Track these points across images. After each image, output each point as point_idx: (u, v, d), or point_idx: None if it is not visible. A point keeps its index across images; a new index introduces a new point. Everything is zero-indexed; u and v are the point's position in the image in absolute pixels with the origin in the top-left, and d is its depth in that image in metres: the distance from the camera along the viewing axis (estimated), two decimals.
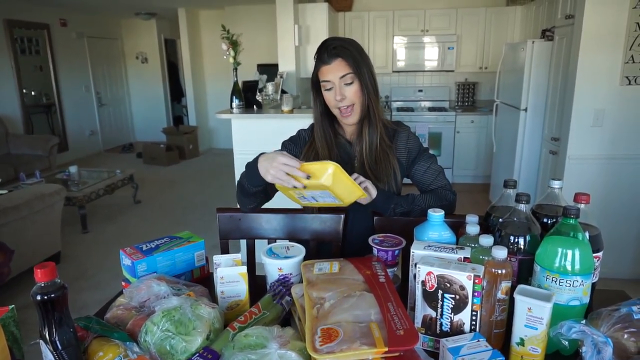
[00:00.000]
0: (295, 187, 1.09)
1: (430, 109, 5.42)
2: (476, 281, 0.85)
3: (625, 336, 0.82)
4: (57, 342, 0.76)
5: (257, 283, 1.16)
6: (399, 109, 5.47)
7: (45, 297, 0.75)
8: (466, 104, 5.55)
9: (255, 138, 3.07)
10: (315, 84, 1.33)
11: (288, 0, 4.07)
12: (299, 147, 1.41)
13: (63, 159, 6.30)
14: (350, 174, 1.26)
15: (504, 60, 4.13)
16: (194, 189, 5.29)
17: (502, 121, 4.26)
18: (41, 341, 0.78)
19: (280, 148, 1.43)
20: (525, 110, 3.64)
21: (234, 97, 3.12)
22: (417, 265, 0.90)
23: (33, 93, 6.48)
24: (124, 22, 8.00)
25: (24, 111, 6.18)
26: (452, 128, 5.18)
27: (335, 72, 1.27)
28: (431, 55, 5.31)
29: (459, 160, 5.26)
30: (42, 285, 0.75)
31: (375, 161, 1.34)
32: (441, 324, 0.90)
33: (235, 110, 3.13)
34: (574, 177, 2.91)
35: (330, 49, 1.27)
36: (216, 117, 3.18)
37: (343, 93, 1.27)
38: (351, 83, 1.28)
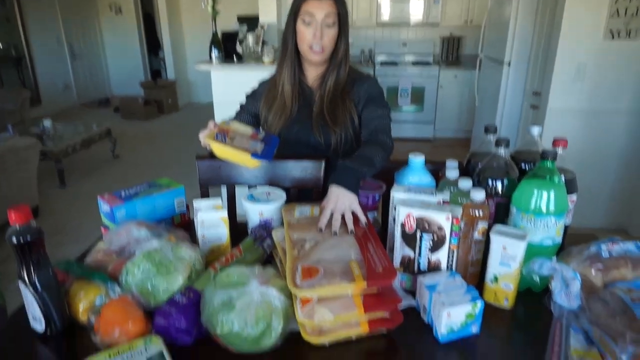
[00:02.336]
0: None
1: (414, 63, 5.35)
2: (454, 222, 0.87)
3: (593, 272, 0.86)
4: (37, 283, 0.76)
5: (238, 229, 1.16)
6: (383, 63, 5.39)
7: (22, 240, 0.74)
8: (450, 58, 5.49)
9: (235, 90, 2.97)
10: (295, 15, 1.30)
11: None
12: (257, 100, 1.44)
13: (36, 114, 6.07)
14: (308, 118, 1.33)
15: (490, 13, 4.06)
16: (174, 144, 5.20)
17: (485, 76, 4.24)
18: (20, 282, 0.78)
19: (239, 108, 1.48)
20: (509, 64, 3.61)
21: (213, 48, 3.01)
22: (397, 208, 0.92)
23: (1, 45, 6.15)
24: None
25: None
26: (435, 83, 5.15)
27: (323, 9, 1.26)
28: (416, 8, 5.18)
29: (441, 115, 5.26)
30: (18, 228, 0.74)
31: (333, 106, 1.34)
32: (419, 264, 0.92)
33: (214, 61, 3.04)
34: (554, 131, 2.94)
35: None
36: (196, 70, 3.09)
37: (322, 33, 1.27)
38: (332, 25, 1.28)
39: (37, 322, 0.79)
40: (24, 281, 0.76)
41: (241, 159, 1.12)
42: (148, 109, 6.53)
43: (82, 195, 3.86)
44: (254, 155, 1.10)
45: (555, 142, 0.97)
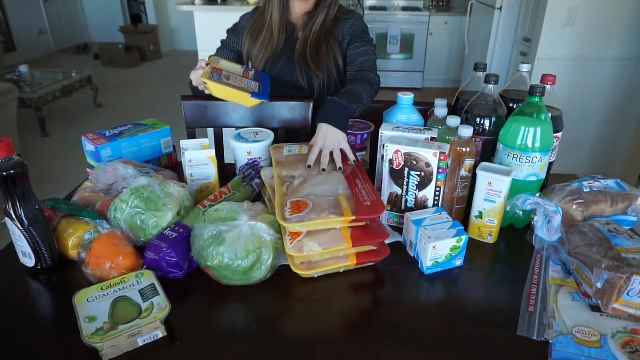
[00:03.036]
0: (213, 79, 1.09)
1: (404, 9, 5.18)
2: (441, 158, 0.88)
3: (574, 207, 0.88)
4: (24, 218, 0.76)
5: (226, 171, 1.16)
6: (372, 8, 5.21)
7: (5, 173, 0.72)
8: (441, 3, 5.33)
9: (220, 33, 2.88)
10: None
11: None
12: (239, 36, 1.39)
13: (11, 60, 5.83)
14: (291, 55, 1.32)
15: None
16: (158, 92, 5.07)
17: (475, 22, 4.15)
18: (7, 219, 0.77)
19: (220, 44, 1.43)
20: (500, 9, 3.53)
21: None
22: (385, 145, 0.92)
23: None
24: None
25: None
26: (425, 30, 5.02)
27: None
28: None
29: (430, 65, 5.18)
30: (1, 160, 0.72)
31: (316, 47, 1.31)
32: (406, 201, 0.94)
33: (197, 2, 2.91)
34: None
35: None
36: (179, 14, 2.96)
37: None
38: None
39: (27, 257, 0.79)
40: (10, 217, 0.76)
41: (240, 99, 1.12)
42: (130, 56, 6.30)
43: (65, 143, 3.78)
44: (254, 94, 1.10)
45: (544, 79, 0.97)
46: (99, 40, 7.43)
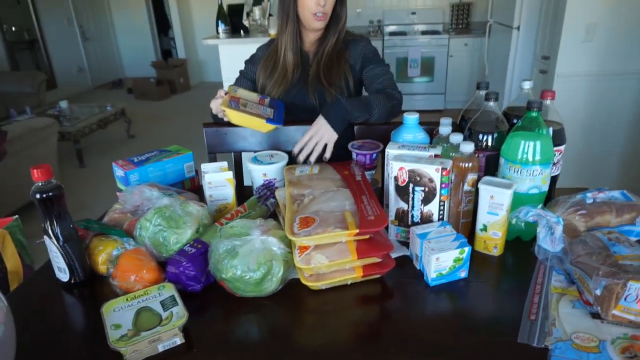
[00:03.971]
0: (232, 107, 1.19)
1: (424, 33, 5.27)
2: (443, 173, 0.92)
3: (577, 217, 0.90)
4: (59, 235, 0.84)
5: (244, 193, 1.23)
6: (392, 33, 5.33)
7: (44, 195, 0.81)
8: (460, 26, 5.40)
9: (243, 64, 3.04)
10: None
11: None
12: (256, 66, 1.49)
13: (53, 97, 6.21)
14: (305, 82, 1.41)
15: None
16: (186, 121, 5.29)
17: (494, 42, 4.19)
18: (46, 237, 0.86)
19: (239, 74, 1.55)
20: (518, 28, 3.56)
21: (220, 22, 3.04)
22: (390, 162, 0.97)
23: (14, 29, 6.24)
24: None
25: (7, 48, 5.99)
26: (445, 52, 5.08)
27: None
28: None
29: (452, 86, 5.22)
30: (40, 184, 0.81)
31: (329, 68, 1.39)
32: (412, 216, 0.98)
33: (221, 35, 3.07)
34: (562, 95, 2.92)
35: None
36: (206, 49, 3.13)
37: (325, 1, 1.32)
38: None
39: (62, 272, 0.87)
40: (48, 234, 0.84)
41: (256, 124, 1.21)
42: (161, 89, 6.61)
43: (100, 173, 3.99)
44: (269, 120, 1.20)
45: (543, 94, 1.01)
46: (132, 75, 7.84)
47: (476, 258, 0.94)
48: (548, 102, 1.00)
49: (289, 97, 1.42)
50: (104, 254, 0.89)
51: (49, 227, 0.83)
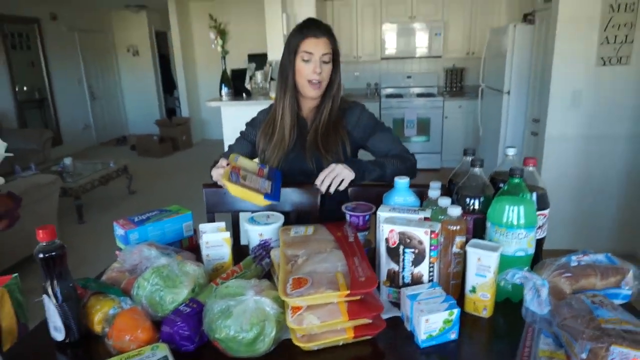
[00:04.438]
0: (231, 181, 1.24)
1: (419, 95, 5.50)
2: (432, 236, 0.95)
3: (562, 280, 0.93)
4: (59, 294, 0.86)
5: (241, 252, 1.25)
6: (388, 96, 5.56)
7: (47, 255, 0.84)
8: (454, 89, 5.64)
9: (244, 125, 3.16)
10: (294, 53, 1.43)
11: None
12: (256, 129, 1.57)
13: (58, 153, 6.35)
14: (302, 147, 1.47)
15: (489, 44, 4.22)
16: (187, 179, 5.38)
17: (487, 105, 4.36)
18: (45, 296, 0.88)
19: (239, 135, 1.63)
20: (509, 93, 3.73)
21: (223, 85, 3.20)
22: (381, 225, 1.01)
23: (25, 88, 6.51)
24: (114, 15, 8.01)
25: (17, 106, 6.22)
26: (440, 113, 5.28)
27: (321, 48, 1.41)
28: (419, 41, 5.38)
29: (447, 146, 5.36)
30: (44, 244, 0.85)
31: (326, 135, 1.47)
32: (403, 277, 1.00)
33: (224, 98, 3.22)
34: (554, 156, 3.02)
35: (321, 27, 1.42)
36: (209, 108, 3.27)
37: (321, 68, 1.41)
38: (328, 61, 1.42)
39: (58, 331, 0.88)
40: (47, 293, 0.86)
41: (254, 198, 1.25)
42: (163, 146, 6.77)
43: (99, 229, 4.00)
44: (266, 196, 1.24)
45: (525, 161, 1.06)
46: (136, 132, 8.06)
47: (467, 319, 0.96)
48: (530, 168, 1.06)
49: (287, 161, 1.48)
50: (101, 313, 0.91)
51: (49, 287, 0.86)
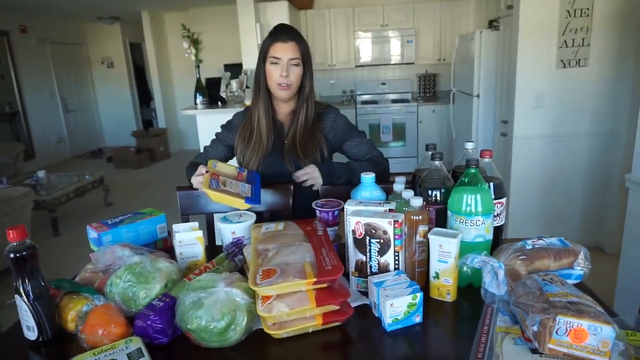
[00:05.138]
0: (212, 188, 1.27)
1: (394, 101, 5.61)
2: (396, 225, 1.00)
3: (518, 262, 0.99)
4: (30, 292, 0.87)
5: (215, 252, 1.27)
6: (364, 102, 5.65)
7: (18, 255, 0.86)
8: (427, 94, 5.77)
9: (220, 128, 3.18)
10: (264, 57, 1.48)
11: (248, 0, 4.18)
12: (232, 132, 1.60)
13: (30, 167, 6.23)
14: (280, 151, 1.52)
15: (458, 50, 4.35)
16: (165, 189, 5.34)
17: (459, 108, 4.48)
18: (17, 296, 0.89)
19: (215, 137, 1.66)
20: (478, 96, 3.85)
21: (198, 94, 3.22)
22: (348, 217, 1.05)
23: None
24: (88, 27, 7.94)
25: None
26: (415, 118, 5.39)
27: (287, 52, 1.45)
28: (392, 49, 5.50)
29: (423, 150, 5.44)
30: (15, 244, 0.86)
31: (305, 141, 1.51)
32: (370, 266, 1.05)
33: (199, 106, 3.23)
34: (521, 155, 3.13)
35: (288, 32, 1.47)
36: (186, 119, 3.28)
37: (288, 71, 1.44)
38: (297, 64, 1.46)
39: (31, 330, 0.89)
40: (19, 293, 0.87)
41: (235, 203, 1.28)
42: (140, 158, 6.71)
43: (75, 241, 3.94)
44: (247, 200, 1.27)
45: (482, 153, 1.12)
46: (112, 144, 7.96)
47: (431, 304, 1.01)
48: (487, 160, 1.12)
49: (266, 164, 1.52)
50: (74, 311, 0.92)
51: (21, 285, 0.87)
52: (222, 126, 1.64)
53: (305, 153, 1.50)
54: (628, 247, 2.06)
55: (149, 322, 0.88)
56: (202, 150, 1.68)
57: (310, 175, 1.44)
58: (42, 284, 0.90)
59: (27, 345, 0.91)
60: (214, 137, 1.64)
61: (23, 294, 0.87)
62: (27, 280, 0.87)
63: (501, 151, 3.57)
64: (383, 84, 5.85)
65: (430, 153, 1.18)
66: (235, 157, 1.61)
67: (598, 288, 1.03)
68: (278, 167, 1.51)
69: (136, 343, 0.85)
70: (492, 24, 3.76)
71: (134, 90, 8.29)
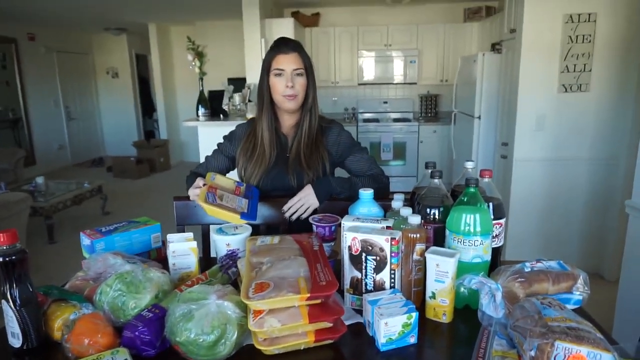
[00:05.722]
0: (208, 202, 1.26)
1: (395, 120, 5.64)
2: (393, 243, 0.99)
3: (516, 284, 0.97)
4: (17, 298, 0.85)
5: (210, 264, 1.25)
6: (365, 120, 5.67)
7: (7, 258, 0.84)
8: (429, 114, 5.80)
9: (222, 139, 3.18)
10: (267, 70, 1.48)
11: (254, 15, 4.23)
12: (234, 144, 1.58)
13: (30, 173, 6.21)
14: (284, 164, 1.50)
15: (460, 72, 4.39)
16: (163, 200, 5.31)
17: (459, 129, 4.50)
18: (3, 301, 0.87)
19: (217, 147, 1.64)
20: (479, 117, 3.87)
21: (200, 106, 3.23)
22: (345, 233, 1.03)
23: None
24: (94, 38, 8.03)
25: None
26: (416, 138, 5.41)
27: (290, 63, 1.45)
28: (395, 68, 5.55)
29: (423, 169, 5.45)
30: (4, 247, 0.85)
31: (310, 152, 1.51)
32: (366, 284, 1.03)
33: (201, 118, 3.24)
34: (522, 178, 3.12)
35: (289, 44, 1.48)
36: (187, 131, 3.29)
37: (293, 82, 1.45)
38: (301, 75, 1.47)
39: (15, 338, 0.87)
40: (5, 298, 0.85)
41: (231, 218, 1.27)
42: (140, 168, 6.71)
43: (70, 249, 3.91)
44: (243, 215, 1.26)
45: (481, 173, 1.12)
46: (113, 154, 7.97)
47: (427, 325, 0.99)
48: (486, 179, 1.11)
49: (269, 178, 1.50)
50: (60, 319, 0.90)
51: (8, 291, 0.85)
52: (225, 137, 1.64)
53: (309, 164, 1.49)
54: (628, 273, 2.04)
55: (137, 333, 0.86)
56: (203, 161, 1.67)
57: (301, 201, 1.41)
58: (30, 290, 0.88)
59: (11, 353, 0.89)
60: (216, 147, 1.63)
61: (10, 300, 0.85)
62: (14, 286, 0.85)
63: (501, 173, 3.57)
64: (385, 102, 5.88)
65: (429, 171, 1.17)
66: (236, 170, 1.60)
67: (596, 315, 1.01)
68: (280, 181, 1.50)
69: (123, 354, 0.82)
70: (495, 47, 3.80)
71: (137, 101, 8.34)
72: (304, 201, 1.41)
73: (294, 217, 1.42)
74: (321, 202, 1.42)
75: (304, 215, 1.41)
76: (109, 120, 8.39)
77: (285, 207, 1.41)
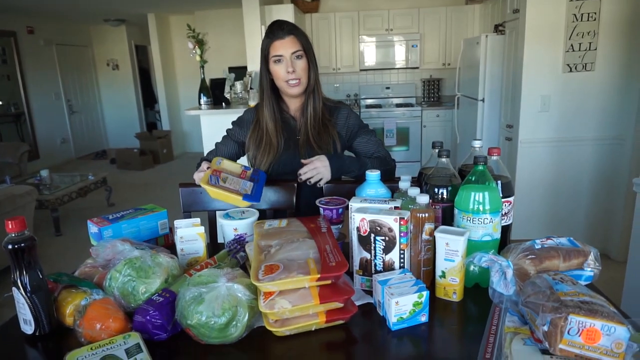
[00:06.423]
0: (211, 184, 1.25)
1: (398, 105, 5.60)
2: (402, 222, 0.98)
3: (527, 261, 0.96)
4: (27, 284, 0.85)
5: (217, 250, 1.25)
6: (368, 106, 5.64)
7: (16, 246, 0.84)
8: (432, 99, 5.75)
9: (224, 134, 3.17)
10: (265, 58, 1.46)
11: (254, 2, 4.18)
12: (244, 129, 1.56)
13: (34, 167, 6.24)
14: (295, 147, 1.47)
15: (463, 55, 4.34)
16: (168, 191, 5.33)
17: (463, 113, 4.46)
18: (14, 288, 0.87)
19: (226, 133, 1.62)
20: (483, 100, 3.84)
21: (202, 95, 3.21)
22: (353, 214, 1.03)
23: (1, 102, 6.41)
24: (94, 29, 7.98)
25: None
26: (419, 122, 5.37)
27: (288, 47, 1.42)
28: (397, 53, 5.49)
29: (427, 154, 5.43)
30: (13, 235, 0.85)
31: (317, 132, 1.49)
32: (375, 265, 1.03)
33: (203, 107, 3.23)
34: (527, 160, 3.10)
35: (284, 27, 1.44)
36: (190, 121, 3.28)
37: (294, 66, 1.42)
38: (301, 57, 1.44)
39: (28, 324, 0.88)
40: (17, 285, 0.86)
41: (234, 200, 1.26)
42: (143, 159, 6.71)
43: (76, 242, 3.94)
44: (245, 197, 1.24)
45: (490, 151, 1.10)
46: (116, 146, 7.97)
47: (438, 304, 0.98)
48: (495, 157, 1.10)
49: (279, 163, 1.50)
50: (72, 305, 0.90)
51: (18, 278, 0.85)
52: (233, 122, 1.62)
53: (319, 144, 1.48)
54: (635, 252, 2.03)
55: (148, 317, 0.86)
56: (213, 148, 1.65)
57: (316, 169, 1.37)
58: (40, 276, 0.88)
59: (24, 339, 0.89)
60: (225, 133, 1.62)
61: (20, 287, 0.85)
62: (25, 272, 0.85)
63: (506, 155, 3.55)
64: (387, 88, 5.84)
65: (437, 150, 1.16)
66: (246, 156, 1.59)
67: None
68: (290, 165, 1.49)
69: (135, 338, 0.83)
70: (498, 28, 3.75)
71: (139, 92, 8.31)
72: (318, 170, 1.38)
73: (310, 181, 1.40)
74: (333, 175, 1.40)
75: (320, 183, 1.40)
76: (110, 113, 8.38)
77: (301, 171, 1.38)
